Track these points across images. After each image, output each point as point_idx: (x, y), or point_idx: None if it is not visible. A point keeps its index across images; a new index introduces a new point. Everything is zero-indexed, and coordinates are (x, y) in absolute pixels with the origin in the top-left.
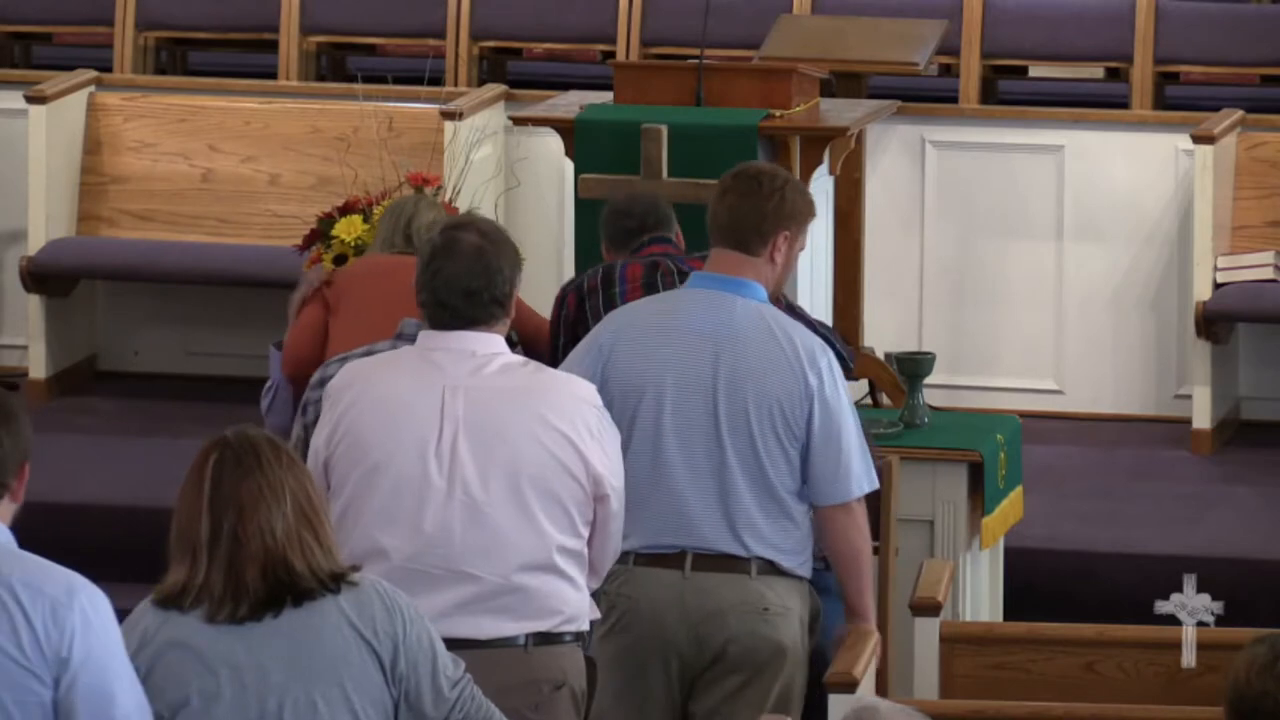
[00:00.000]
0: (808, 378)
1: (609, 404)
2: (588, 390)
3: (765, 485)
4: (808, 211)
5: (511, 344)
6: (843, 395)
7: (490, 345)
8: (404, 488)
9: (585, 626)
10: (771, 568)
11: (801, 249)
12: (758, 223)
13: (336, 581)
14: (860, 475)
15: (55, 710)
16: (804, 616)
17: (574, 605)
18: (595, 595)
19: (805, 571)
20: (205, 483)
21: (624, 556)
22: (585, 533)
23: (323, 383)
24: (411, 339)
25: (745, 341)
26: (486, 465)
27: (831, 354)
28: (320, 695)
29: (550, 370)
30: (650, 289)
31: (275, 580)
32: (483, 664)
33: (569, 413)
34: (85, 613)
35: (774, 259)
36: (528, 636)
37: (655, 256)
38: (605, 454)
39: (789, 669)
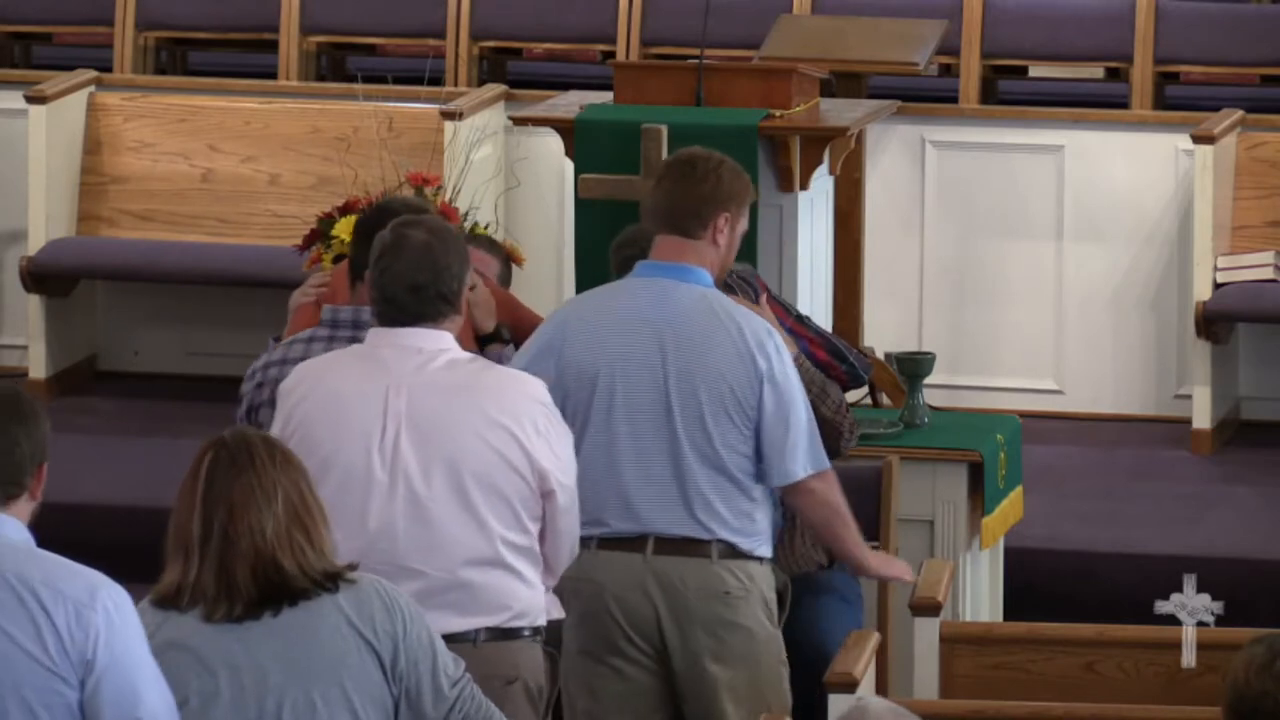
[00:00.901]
0: (756, 360)
1: (564, 397)
2: (536, 387)
3: (720, 468)
4: (745, 192)
5: (504, 341)
6: (792, 377)
7: (437, 341)
8: (349, 485)
9: (541, 622)
10: (732, 550)
11: (744, 231)
12: (696, 206)
13: (333, 580)
14: (806, 456)
15: (81, 711)
16: (768, 596)
17: (524, 600)
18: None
19: (765, 552)
20: (200, 482)
21: (585, 542)
22: (534, 529)
23: (253, 374)
24: (330, 324)
25: (691, 326)
26: (429, 461)
27: (778, 336)
28: (319, 695)
29: (498, 367)
30: None
31: (266, 580)
32: None
33: (513, 408)
34: (108, 613)
35: (716, 241)
36: (477, 632)
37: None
38: (552, 451)
39: (755, 650)
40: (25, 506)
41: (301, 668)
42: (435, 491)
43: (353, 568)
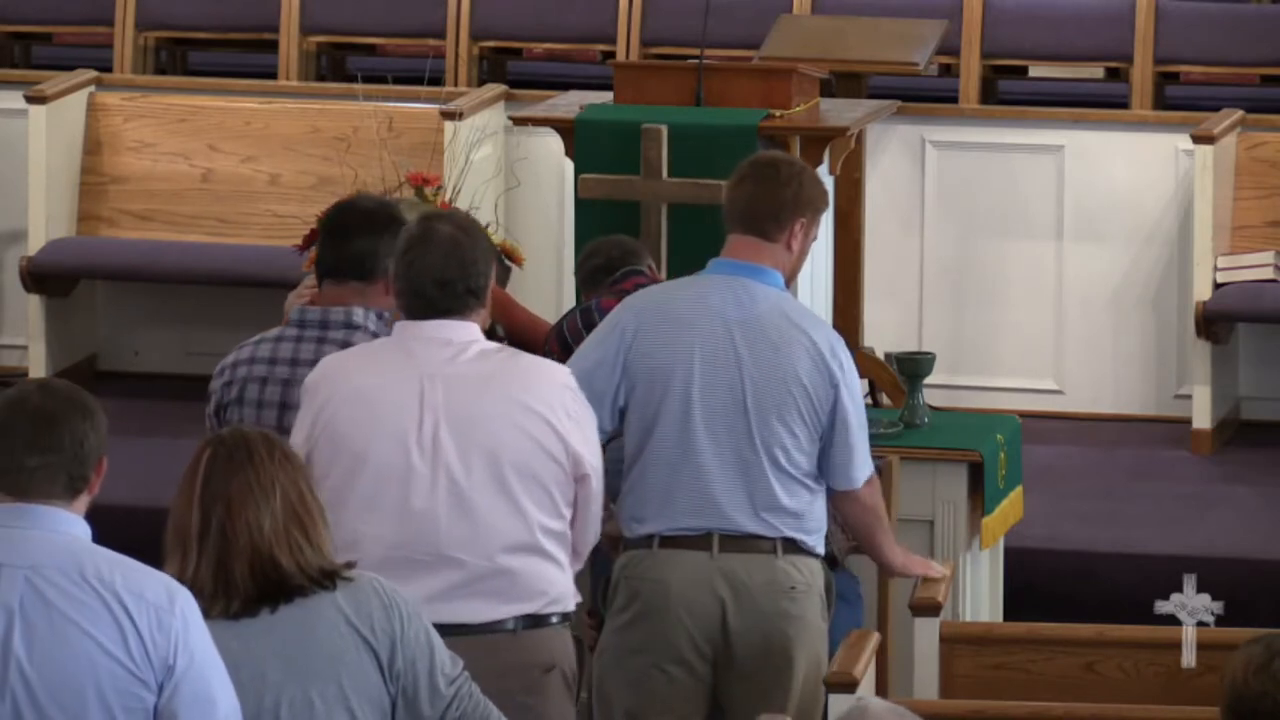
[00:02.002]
0: (831, 366)
1: (631, 388)
2: (564, 374)
3: (788, 468)
4: (823, 200)
5: (499, 339)
6: (857, 386)
7: (466, 333)
8: (387, 477)
9: (570, 607)
10: (794, 546)
11: (815, 239)
12: (775, 210)
13: (330, 578)
14: (866, 463)
15: (156, 716)
16: (822, 592)
17: (559, 586)
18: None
19: (821, 548)
20: (198, 478)
21: (645, 540)
22: (567, 514)
23: (221, 371)
24: (298, 324)
25: (766, 328)
26: (468, 451)
27: (845, 344)
28: (317, 693)
29: (526, 355)
30: None
31: (263, 577)
32: (475, 649)
33: (546, 396)
34: (186, 618)
35: (790, 246)
36: (516, 619)
37: (631, 290)
38: (583, 435)
39: (814, 644)
40: (86, 501)
41: (299, 665)
42: (475, 481)
43: (350, 566)
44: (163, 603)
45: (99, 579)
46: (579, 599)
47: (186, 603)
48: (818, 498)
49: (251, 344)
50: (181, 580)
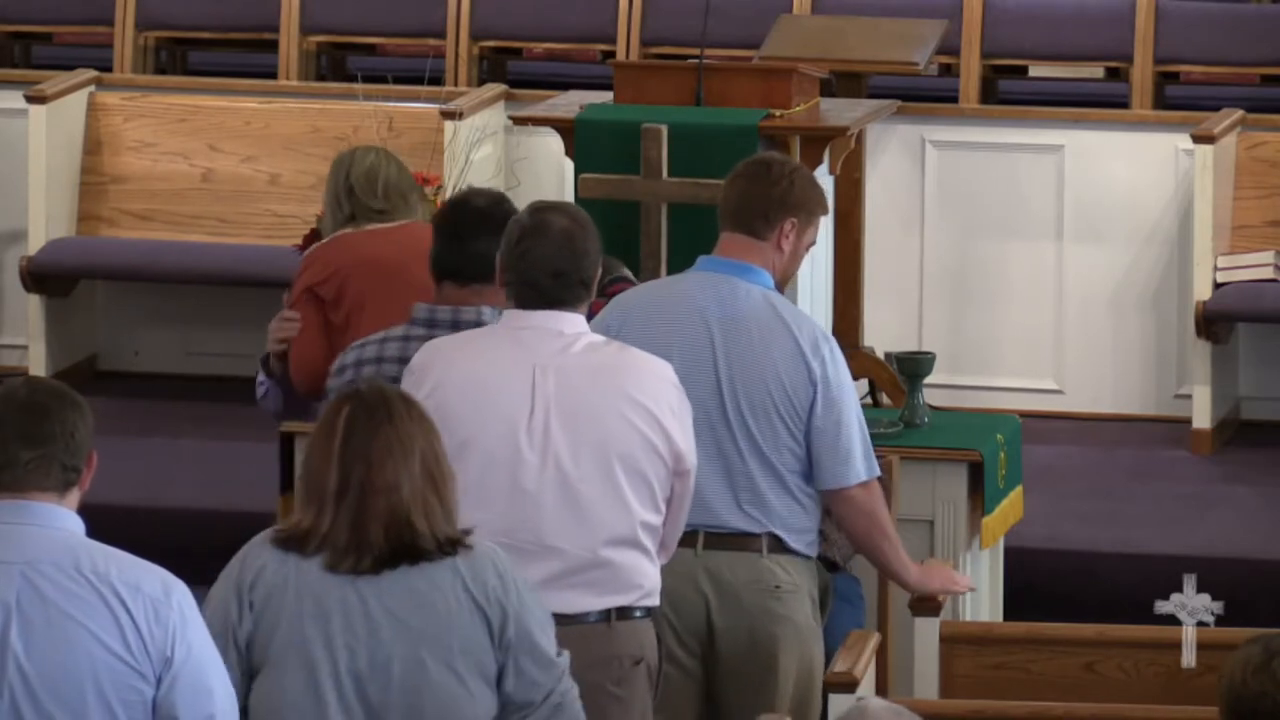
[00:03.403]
0: (810, 364)
1: None
2: (667, 369)
3: (770, 465)
4: (818, 202)
5: None
6: (845, 383)
7: (576, 325)
8: (496, 463)
9: (657, 601)
10: (780, 545)
11: (812, 243)
12: (765, 208)
13: (454, 545)
14: (859, 462)
15: (154, 708)
16: (813, 593)
17: (651, 580)
18: None
19: (812, 551)
20: (337, 433)
21: None
22: (664, 509)
23: (342, 370)
24: (426, 323)
25: (748, 325)
26: (577, 442)
27: (834, 341)
28: (428, 654)
29: (633, 349)
30: None
31: (398, 538)
32: (567, 639)
33: (653, 390)
34: (183, 610)
35: (781, 246)
36: (610, 611)
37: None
38: (685, 431)
39: (803, 645)
40: (77, 497)
41: (414, 627)
42: (584, 472)
43: (470, 533)
44: (159, 595)
45: (95, 573)
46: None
47: (183, 595)
48: (808, 498)
49: (376, 342)
50: (315, 531)
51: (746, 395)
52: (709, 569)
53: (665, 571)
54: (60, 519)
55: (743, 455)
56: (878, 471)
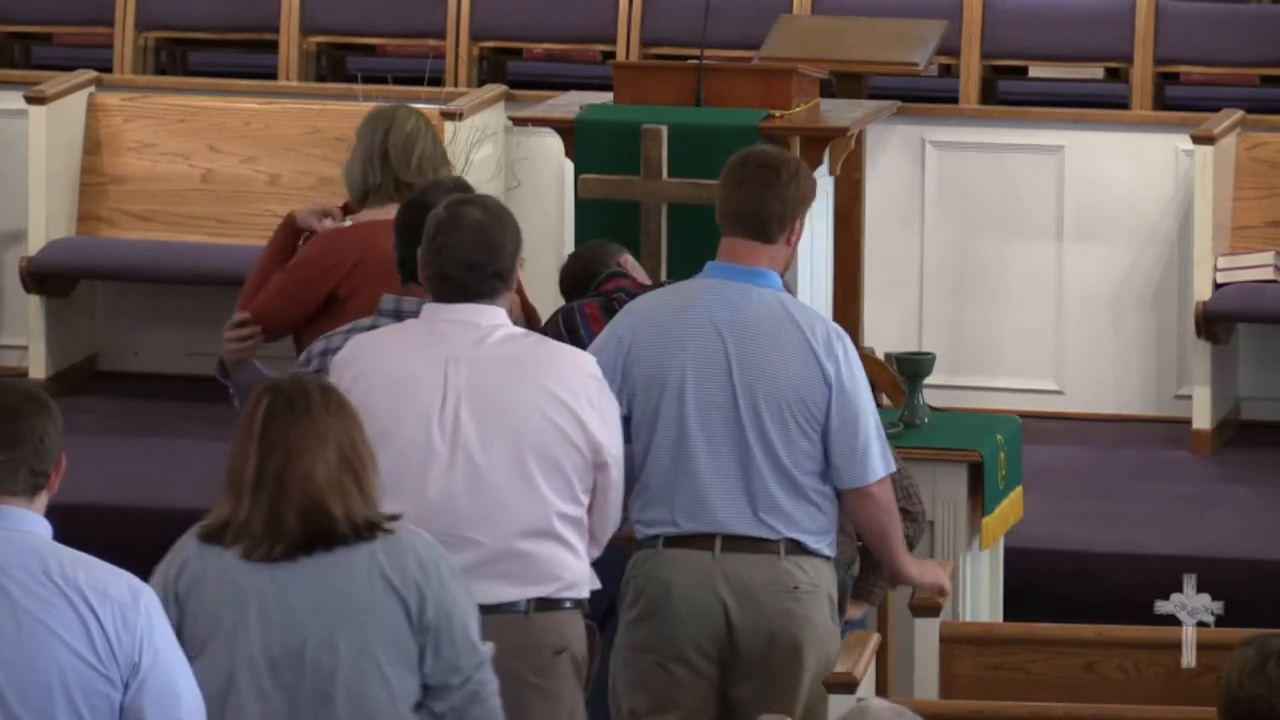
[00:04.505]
0: (824, 365)
1: (632, 396)
2: (588, 361)
3: (787, 469)
4: (815, 190)
5: None
6: (859, 381)
7: (493, 317)
8: (408, 457)
9: (585, 594)
10: (799, 548)
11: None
12: (780, 212)
13: (372, 529)
14: (877, 459)
15: (123, 712)
16: (832, 594)
17: (574, 572)
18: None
19: (831, 551)
20: (256, 425)
21: (651, 541)
22: (585, 500)
23: (309, 359)
24: (392, 315)
25: (761, 330)
26: (489, 433)
27: (848, 339)
28: (343, 638)
29: (551, 341)
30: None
31: (313, 524)
32: (487, 629)
33: (570, 382)
34: (150, 615)
35: (789, 242)
36: (529, 602)
37: (613, 291)
38: (605, 423)
39: (823, 644)
40: (45, 500)
41: (329, 611)
42: (495, 463)
43: (394, 519)
44: (127, 600)
45: (63, 577)
46: (597, 586)
47: (150, 600)
48: (825, 499)
49: (343, 334)
50: (232, 521)
51: (762, 399)
52: (726, 572)
53: (682, 576)
54: (28, 523)
55: (761, 462)
56: (894, 466)
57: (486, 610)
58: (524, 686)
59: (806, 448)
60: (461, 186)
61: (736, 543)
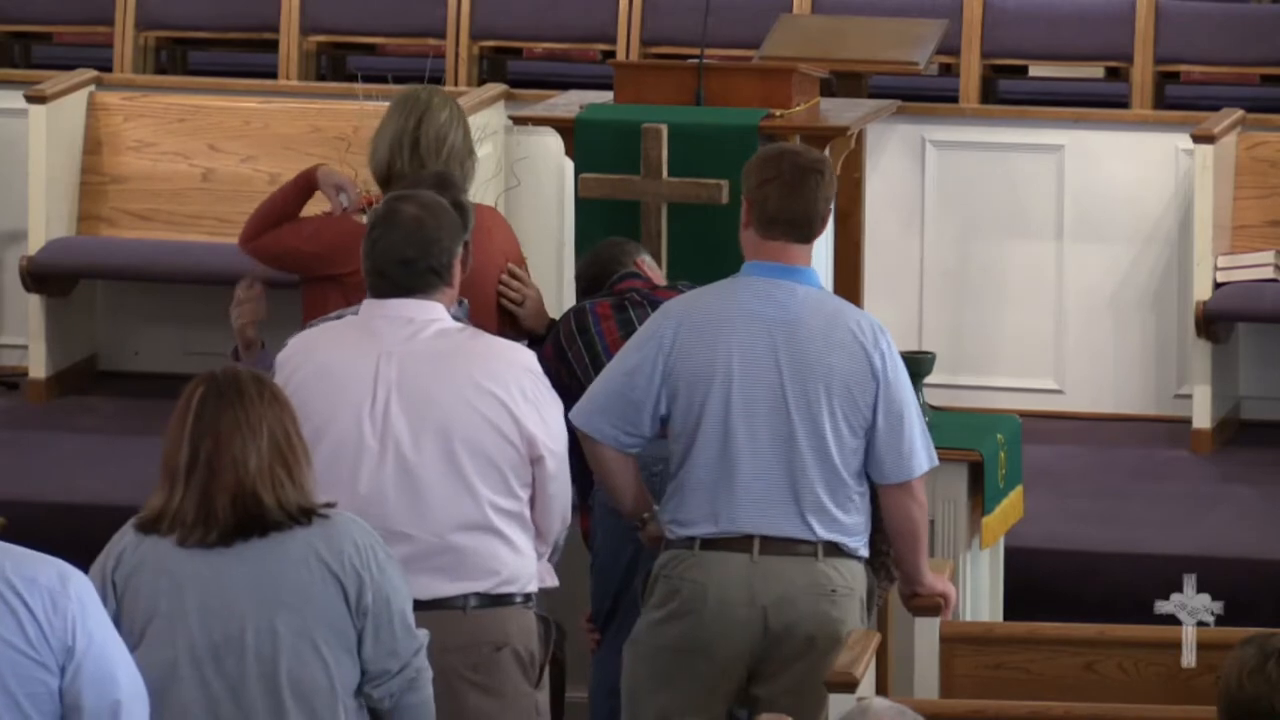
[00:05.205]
0: (872, 358)
1: (673, 396)
2: (525, 355)
3: (833, 466)
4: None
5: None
6: (903, 374)
7: (428, 312)
8: (341, 452)
9: (532, 588)
10: (836, 550)
11: None
12: (824, 212)
13: (308, 515)
14: (922, 453)
15: (61, 697)
16: (864, 596)
17: (512, 566)
18: (648, 576)
19: (865, 552)
20: (189, 414)
21: (689, 541)
22: (524, 495)
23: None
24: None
25: (807, 326)
26: (418, 428)
27: (889, 334)
28: (282, 622)
29: (487, 335)
30: (624, 319)
31: (244, 510)
32: (422, 625)
33: (502, 376)
34: (81, 599)
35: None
36: (466, 597)
37: (625, 291)
38: (541, 417)
39: None
40: None
41: (267, 596)
42: (425, 458)
43: (330, 505)
44: (55, 586)
45: None
46: (554, 584)
47: (80, 585)
48: (863, 499)
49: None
50: (166, 509)
51: (811, 395)
52: (764, 574)
53: (720, 576)
54: None
55: (807, 460)
56: (936, 459)
57: (423, 606)
58: (460, 681)
59: (853, 445)
60: (443, 183)
61: (774, 545)
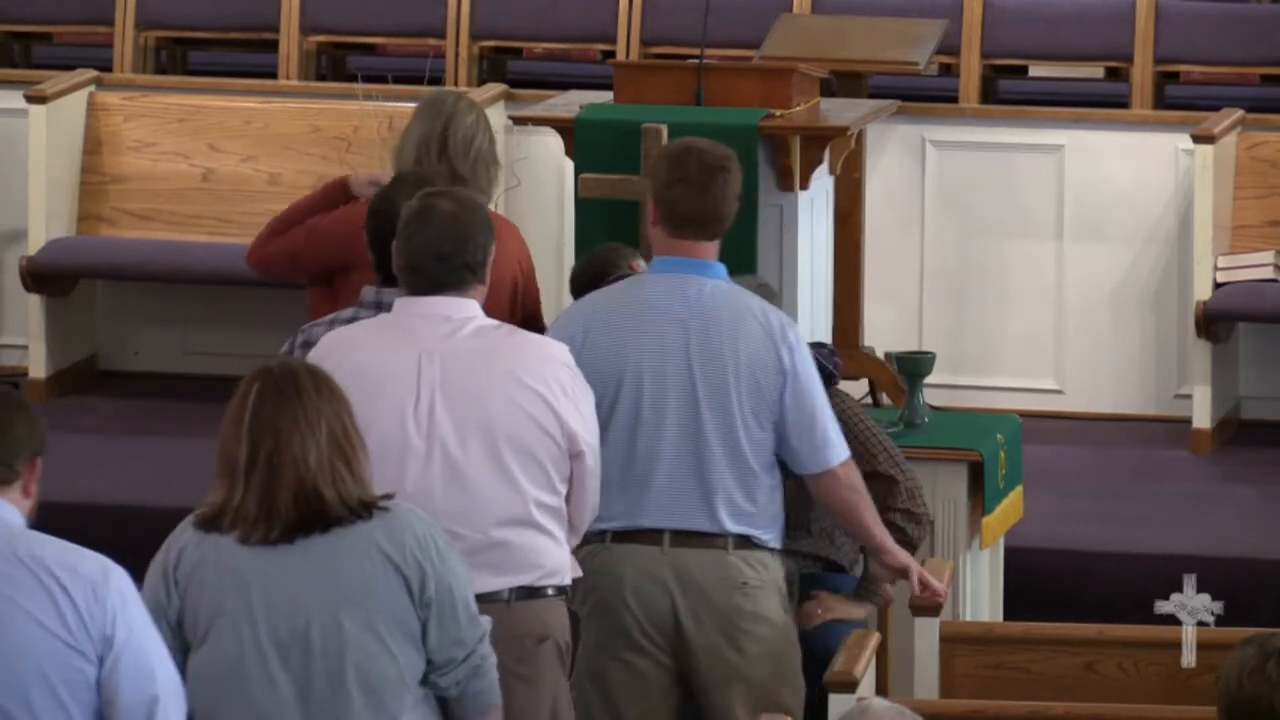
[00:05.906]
0: (780, 352)
1: None
2: (561, 351)
3: (743, 459)
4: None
5: None
6: (811, 366)
7: (464, 309)
8: (386, 452)
9: (567, 580)
10: (747, 541)
11: None
12: (732, 209)
13: (368, 509)
14: (837, 442)
15: (99, 688)
16: (781, 586)
17: (554, 559)
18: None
19: (778, 543)
20: (247, 410)
21: (600, 535)
22: (563, 489)
23: (306, 345)
24: (373, 306)
25: (717, 321)
26: (463, 426)
27: (796, 327)
28: (346, 617)
29: (523, 332)
30: None
31: (306, 506)
32: None
33: (542, 372)
34: (122, 591)
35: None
36: (510, 591)
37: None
38: (579, 412)
39: (773, 640)
40: (18, 498)
41: (330, 591)
42: (470, 455)
43: (389, 497)
44: (97, 577)
45: (31, 557)
46: (579, 574)
47: (122, 578)
48: (775, 491)
49: (325, 324)
50: (227, 506)
51: (721, 389)
52: (675, 566)
53: (631, 569)
54: None
55: (718, 453)
56: (848, 451)
57: None
58: (507, 675)
59: (761, 437)
60: (424, 181)
61: (685, 538)
